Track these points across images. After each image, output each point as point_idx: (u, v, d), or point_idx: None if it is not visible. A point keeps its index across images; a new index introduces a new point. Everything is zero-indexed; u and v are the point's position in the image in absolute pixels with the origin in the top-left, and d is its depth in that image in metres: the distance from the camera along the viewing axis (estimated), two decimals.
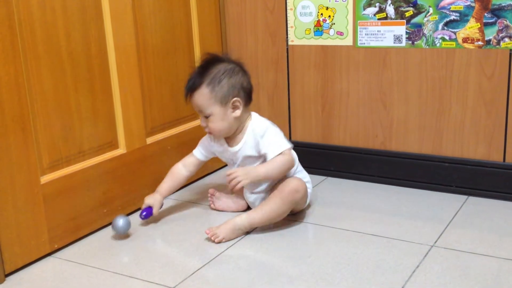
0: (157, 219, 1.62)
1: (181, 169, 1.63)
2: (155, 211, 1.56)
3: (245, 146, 1.52)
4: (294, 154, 1.59)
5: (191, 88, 1.50)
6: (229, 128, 1.51)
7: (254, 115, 1.56)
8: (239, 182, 1.46)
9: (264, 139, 1.50)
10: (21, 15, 1.32)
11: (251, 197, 1.58)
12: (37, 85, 1.37)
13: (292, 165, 1.51)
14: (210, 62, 1.51)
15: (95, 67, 1.52)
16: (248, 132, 1.52)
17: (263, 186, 1.55)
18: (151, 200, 1.57)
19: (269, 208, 1.48)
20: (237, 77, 1.50)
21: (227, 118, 1.49)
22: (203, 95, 1.47)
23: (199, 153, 1.63)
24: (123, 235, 1.50)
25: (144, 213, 1.55)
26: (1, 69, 1.27)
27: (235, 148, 1.54)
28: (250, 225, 1.48)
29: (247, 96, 1.53)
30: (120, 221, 1.47)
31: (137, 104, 1.66)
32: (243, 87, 1.51)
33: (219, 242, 1.44)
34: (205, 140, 1.62)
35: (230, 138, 1.56)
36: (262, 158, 1.52)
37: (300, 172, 1.59)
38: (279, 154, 1.48)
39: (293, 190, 1.48)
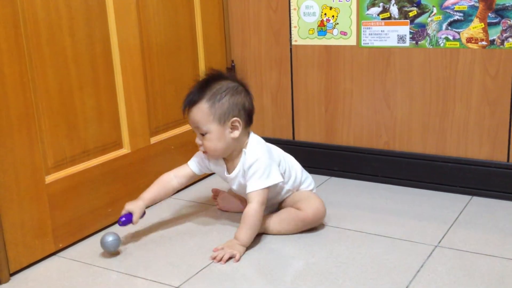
0: (161, 219, 1.62)
1: (172, 179, 1.53)
2: (135, 218, 1.44)
3: (239, 174, 1.46)
4: (294, 162, 1.55)
5: (190, 102, 1.42)
6: (225, 149, 1.44)
7: (252, 140, 1.47)
8: (227, 256, 1.36)
9: (249, 171, 1.42)
10: (26, 15, 1.32)
11: None
12: (42, 84, 1.37)
13: (264, 207, 1.43)
14: (213, 77, 1.45)
15: (100, 66, 1.52)
16: (242, 161, 1.45)
17: (270, 203, 1.53)
18: (132, 206, 1.45)
19: (287, 227, 1.47)
20: (240, 97, 1.43)
21: (225, 138, 1.42)
22: (201, 111, 1.40)
23: (194, 166, 1.53)
24: (112, 252, 1.41)
25: (123, 219, 1.43)
26: (6, 68, 1.27)
27: (232, 175, 1.47)
28: (263, 232, 1.49)
29: (248, 117, 1.45)
30: (110, 237, 1.39)
31: (141, 103, 1.67)
32: (245, 108, 1.43)
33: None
34: (201, 153, 1.52)
35: (228, 160, 1.49)
36: None
37: (306, 180, 1.57)
38: (254, 192, 1.40)
39: (317, 217, 1.47)
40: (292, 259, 1.38)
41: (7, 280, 1.32)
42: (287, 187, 1.52)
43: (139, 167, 1.67)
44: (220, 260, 1.36)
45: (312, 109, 1.91)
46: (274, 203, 1.55)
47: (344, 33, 1.79)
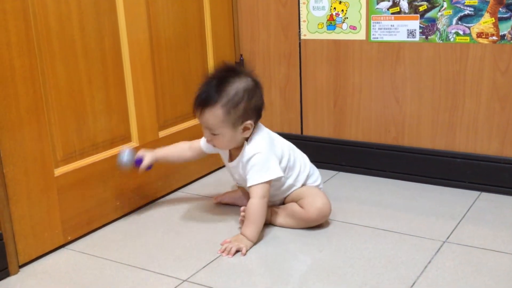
0: (169, 212, 1.63)
1: (186, 149, 1.59)
2: (143, 165, 1.52)
3: (239, 165, 1.47)
4: (300, 155, 1.55)
5: (204, 103, 1.39)
6: (235, 145, 1.46)
7: (256, 134, 1.45)
8: (235, 249, 1.37)
9: (248, 165, 1.43)
10: (36, 8, 1.32)
11: None
12: (51, 78, 1.38)
13: (266, 200, 1.42)
14: (227, 75, 1.41)
15: (109, 60, 1.53)
16: (241, 153, 1.45)
17: (274, 199, 1.53)
18: (146, 153, 1.54)
19: (291, 223, 1.48)
20: (254, 99, 1.41)
21: (236, 139, 1.43)
22: (215, 116, 1.38)
23: (204, 144, 1.56)
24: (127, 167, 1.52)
25: (136, 160, 1.53)
26: (16, 62, 1.28)
27: (233, 163, 1.49)
28: (269, 223, 1.50)
29: (259, 115, 1.45)
30: (125, 155, 1.50)
31: (150, 97, 1.67)
32: (257, 107, 1.43)
33: None
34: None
35: (231, 148, 1.50)
36: None
37: (313, 175, 1.56)
38: (254, 186, 1.40)
39: (321, 216, 1.46)
40: (299, 253, 1.38)
41: (16, 272, 1.33)
42: (289, 181, 1.50)
43: None
44: (228, 253, 1.36)
45: (321, 103, 1.90)
46: (277, 199, 1.54)
47: (354, 28, 1.78)
